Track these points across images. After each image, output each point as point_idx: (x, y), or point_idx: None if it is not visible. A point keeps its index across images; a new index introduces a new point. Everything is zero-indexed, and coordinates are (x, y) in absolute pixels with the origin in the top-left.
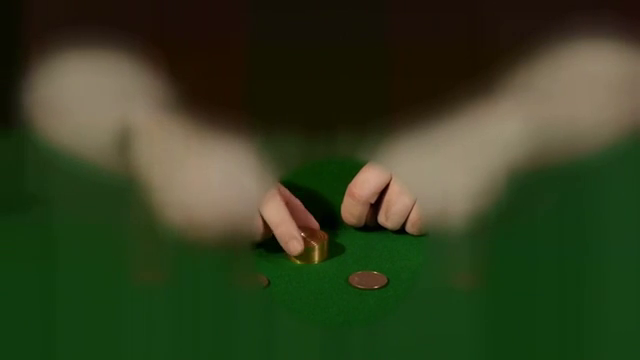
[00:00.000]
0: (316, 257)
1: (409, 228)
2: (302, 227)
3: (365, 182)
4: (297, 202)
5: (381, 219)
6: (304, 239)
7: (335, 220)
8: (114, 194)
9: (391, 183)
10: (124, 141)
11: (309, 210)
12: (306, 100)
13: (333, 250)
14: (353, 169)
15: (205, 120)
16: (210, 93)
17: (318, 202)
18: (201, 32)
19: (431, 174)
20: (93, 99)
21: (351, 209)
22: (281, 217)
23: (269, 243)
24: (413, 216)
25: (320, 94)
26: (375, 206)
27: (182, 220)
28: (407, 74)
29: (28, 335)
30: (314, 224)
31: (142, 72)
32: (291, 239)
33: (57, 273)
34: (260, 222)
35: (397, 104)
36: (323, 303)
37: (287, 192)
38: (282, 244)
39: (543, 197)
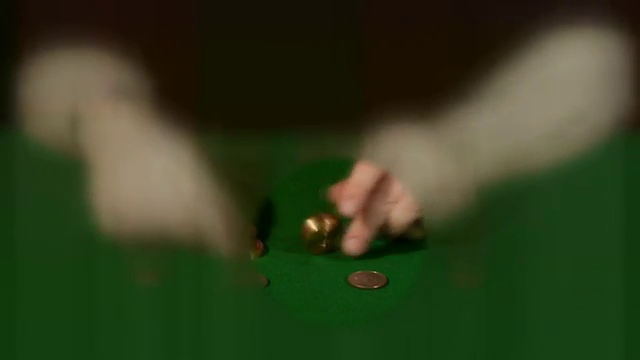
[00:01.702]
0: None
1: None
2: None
3: None
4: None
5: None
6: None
7: None
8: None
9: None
10: (74, 125)
11: (310, 210)
12: (265, 97)
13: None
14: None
15: (159, 115)
16: (170, 90)
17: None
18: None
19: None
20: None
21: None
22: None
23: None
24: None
25: (280, 91)
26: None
27: (109, 213)
28: (382, 69)
29: None
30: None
31: (108, 64)
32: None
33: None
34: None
35: (371, 101)
36: (323, 303)
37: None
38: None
39: (521, 203)
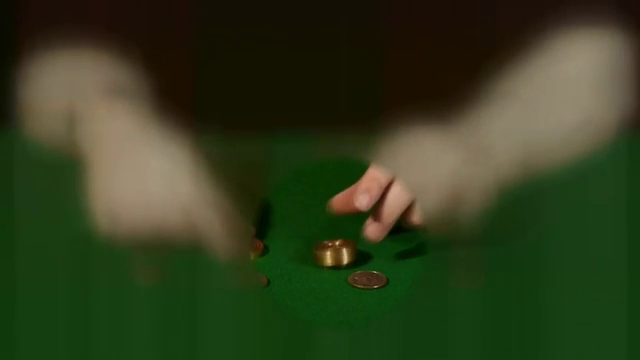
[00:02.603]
0: (345, 259)
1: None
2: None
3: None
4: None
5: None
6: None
7: None
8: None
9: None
10: (72, 125)
11: (310, 210)
12: (265, 98)
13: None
14: (354, 169)
15: (157, 115)
16: (169, 90)
17: (318, 202)
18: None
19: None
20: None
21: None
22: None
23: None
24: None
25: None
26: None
27: (105, 214)
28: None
29: None
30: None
31: (106, 65)
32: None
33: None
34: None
35: (386, 103)
36: (323, 303)
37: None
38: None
39: (533, 206)
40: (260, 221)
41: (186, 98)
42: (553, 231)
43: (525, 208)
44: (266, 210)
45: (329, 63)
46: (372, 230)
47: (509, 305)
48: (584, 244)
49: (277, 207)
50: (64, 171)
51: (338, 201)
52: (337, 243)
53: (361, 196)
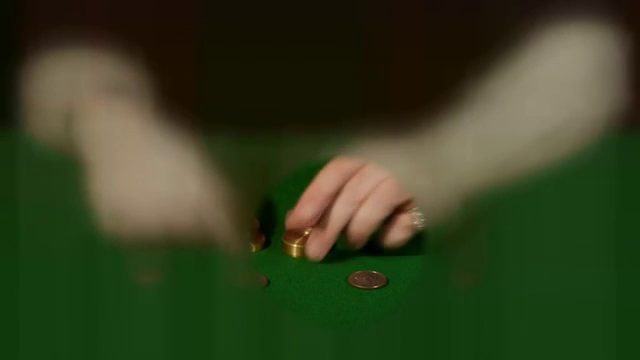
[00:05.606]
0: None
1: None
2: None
3: None
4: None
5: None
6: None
7: None
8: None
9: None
10: (76, 124)
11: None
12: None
13: (332, 249)
14: None
15: (161, 115)
16: (172, 89)
17: None
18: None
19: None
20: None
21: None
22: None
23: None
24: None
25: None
26: None
27: (109, 213)
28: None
29: None
30: None
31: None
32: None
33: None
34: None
35: (364, 108)
36: (323, 303)
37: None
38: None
39: (513, 209)
40: (263, 217)
41: (189, 97)
42: (538, 233)
43: (502, 212)
44: (269, 207)
45: (330, 62)
46: (313, 248)
47: (507, 306)
48: (571, 244)
49: (277, 207)
50: (67, 170)
51: (290, 217)
52: (306, 233)
53: (306, 206)
